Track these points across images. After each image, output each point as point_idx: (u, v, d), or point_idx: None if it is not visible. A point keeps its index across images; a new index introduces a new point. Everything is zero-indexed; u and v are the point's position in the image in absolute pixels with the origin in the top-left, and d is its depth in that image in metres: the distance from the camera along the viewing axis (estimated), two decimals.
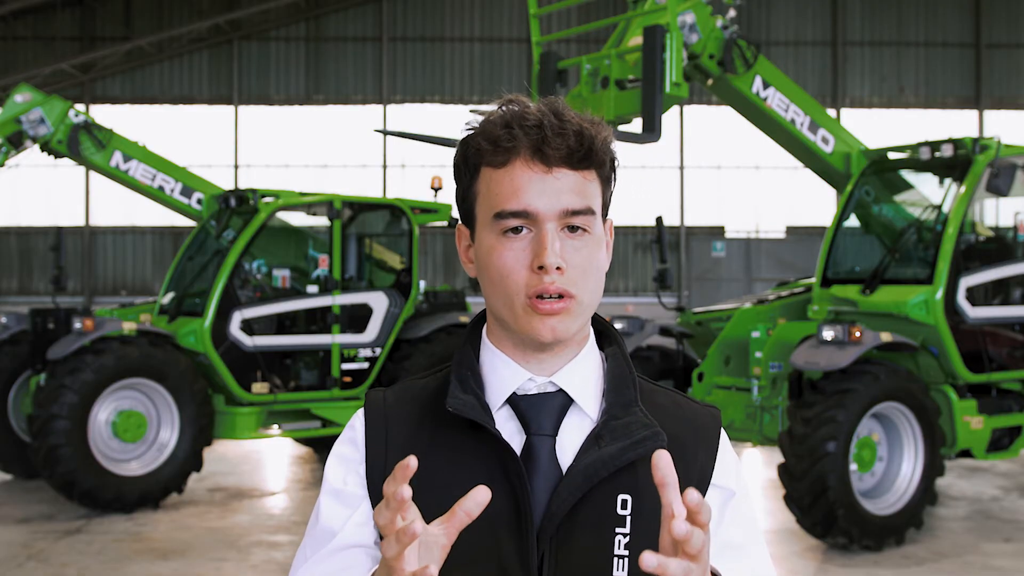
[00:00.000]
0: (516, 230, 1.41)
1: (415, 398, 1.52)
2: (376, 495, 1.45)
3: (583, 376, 1.48)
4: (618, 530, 1.41)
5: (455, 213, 1.56)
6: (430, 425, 1.47)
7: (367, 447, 1.49)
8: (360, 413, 1.53)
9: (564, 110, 1.43)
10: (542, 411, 1.45)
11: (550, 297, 1.40)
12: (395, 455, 1.45)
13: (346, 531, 1.45)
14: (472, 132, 1.46)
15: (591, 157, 1.42)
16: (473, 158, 1.46)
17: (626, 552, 1.41)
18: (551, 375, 1.46)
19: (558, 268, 1.39)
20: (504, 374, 1.47)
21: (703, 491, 1.47)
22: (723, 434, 1.54)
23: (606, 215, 1.50)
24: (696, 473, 1.48)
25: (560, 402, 1.46)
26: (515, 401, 1.46)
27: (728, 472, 1.51)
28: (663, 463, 1.19)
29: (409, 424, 1.49)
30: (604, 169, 1.46)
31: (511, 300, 1.42)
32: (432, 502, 1.32)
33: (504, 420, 1.46)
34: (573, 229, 1.42)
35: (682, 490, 1.21)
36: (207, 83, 25.84)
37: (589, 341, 1.52)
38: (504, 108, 1.44)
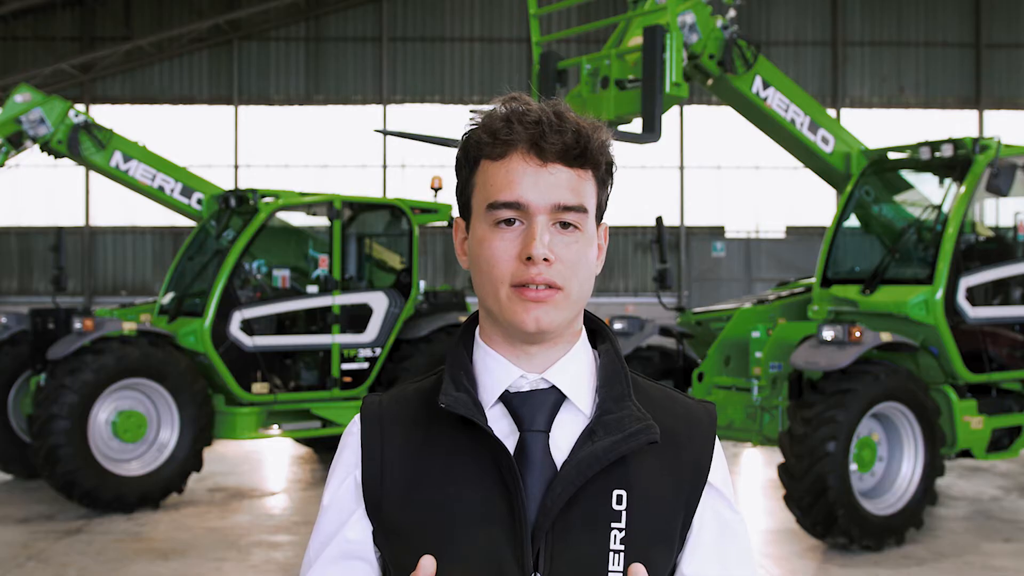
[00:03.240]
0: (509, 222, 1.43)
1: (410, 400, 1.53)
2: (372, 498, 1.47)
3: (575, 372, 1.49)
4: (613, 525, 1.42)
5: (455, 213, 1.57)
6: (424, 425, 1.49)
7: (363, 450, 1.50)
8: (356, 418, 1.55)
9: (565, 111, 1.46)
10: (535, 408, 1.46)
11: (536, 287, 1.41)
12: (391, 456, 1.48)
13: (343, 534, 1.48)
14: (474, 127, 1.49)
15: (586, 155, 1.44)
16: (473, 151, 1.48)
17: (622, 547, 1.42)
18: (543, 371, 1.47)
19: (546, 260, 1.41)
20: (496, 372, 1.48)
21: (698, 486, 1.50)
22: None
23: (601, 218, 1.52)
24: (691, 467, 1.50)
25: (553, 398, 1.47)
26: (508, 399, 1.47)
27: (722, 474, 1.54)
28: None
29: (404, 425, 1.50)
30: (599, 170, 1.48)
31: (497, 288, 1.43)
32: (426, 500, 1.33)
33: (497, 418, 1.46)
34: (565, 226, 1.44)
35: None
36: (207, 83, 25.83)
37: (581, 338, 1.53)
38: (506, 104, 1.47)
